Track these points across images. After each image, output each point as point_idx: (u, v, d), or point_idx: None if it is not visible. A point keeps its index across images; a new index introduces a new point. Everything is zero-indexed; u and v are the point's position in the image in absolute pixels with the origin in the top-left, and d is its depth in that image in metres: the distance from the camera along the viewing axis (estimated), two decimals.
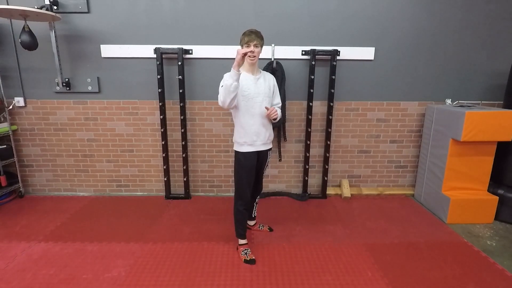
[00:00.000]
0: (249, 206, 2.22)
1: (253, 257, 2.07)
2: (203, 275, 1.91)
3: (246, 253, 2.09)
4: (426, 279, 1.89)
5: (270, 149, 2.15)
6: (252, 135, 2.00)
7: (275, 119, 2.01)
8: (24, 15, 2.39)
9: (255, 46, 1.93)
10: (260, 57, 2.77)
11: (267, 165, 2.21)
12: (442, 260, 2.09)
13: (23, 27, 2.46)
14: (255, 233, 2.40)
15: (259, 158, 2.09)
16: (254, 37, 1.91)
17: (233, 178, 2.63)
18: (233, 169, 3.09)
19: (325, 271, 1.95)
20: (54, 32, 2.70)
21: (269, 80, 2.10)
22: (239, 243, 2.17)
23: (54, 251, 2.16)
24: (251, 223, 2.45)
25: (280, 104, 2.19)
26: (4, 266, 1.99)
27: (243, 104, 1.98)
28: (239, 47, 2.93)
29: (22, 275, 1.89)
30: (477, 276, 1.93)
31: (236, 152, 2.06)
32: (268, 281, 1.86)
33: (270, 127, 2.11)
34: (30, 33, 2.48)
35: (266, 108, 1.98)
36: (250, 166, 2.05)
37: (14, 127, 2.97)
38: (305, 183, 3.09)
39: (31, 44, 2.49)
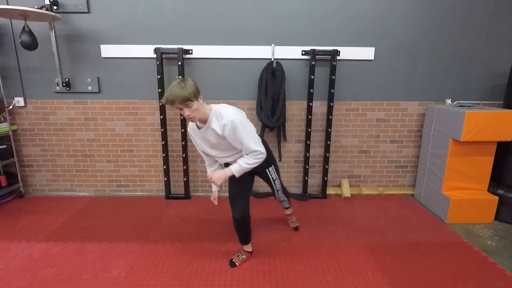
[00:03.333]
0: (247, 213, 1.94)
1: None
2: (203, 275, 1.91)
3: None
4: (426, 279, 1.89)
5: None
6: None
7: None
8: (24, 15, 2.39)
9: (180, 109, 1.61)
10: (260, 57, 2.81)
11: (269, 172, 2.06)
12: (442, 260, 2.09)
13: (23, 27, 2.46)
14: (255, 233, 2.39)
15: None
16: (174, 102, 1.56)
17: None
18: None
19: (325, 271, 1.95)
20: (54, 32, 2.70)
21: (218, 129, 1.69)
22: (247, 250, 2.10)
23: (54, 251, 2.16)
24: (288, 211, 2.47)
25: (248, 150, 1.74)
26: (4, 266, 1.99)
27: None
28: (239, 47, 2.94)
29: (22, 275, 1.89)
30: (477, 276, 1.93)
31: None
32: (268, 281, 1.86)
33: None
34: (30, 33, 2.48)
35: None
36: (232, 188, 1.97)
37: (14, 127, 2.97)
38: (305, 183, 3.09)
39: (31, 44, 2.48)
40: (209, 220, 2.61)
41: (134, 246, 2.21)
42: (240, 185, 1.95)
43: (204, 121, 1.72)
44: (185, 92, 1.56)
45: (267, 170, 2.04)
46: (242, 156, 1.80)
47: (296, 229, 2.45)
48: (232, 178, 1.88)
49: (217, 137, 1.74)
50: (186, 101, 1.57)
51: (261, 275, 1.91)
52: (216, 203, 2.03)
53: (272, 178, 2.08)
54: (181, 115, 2.86)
